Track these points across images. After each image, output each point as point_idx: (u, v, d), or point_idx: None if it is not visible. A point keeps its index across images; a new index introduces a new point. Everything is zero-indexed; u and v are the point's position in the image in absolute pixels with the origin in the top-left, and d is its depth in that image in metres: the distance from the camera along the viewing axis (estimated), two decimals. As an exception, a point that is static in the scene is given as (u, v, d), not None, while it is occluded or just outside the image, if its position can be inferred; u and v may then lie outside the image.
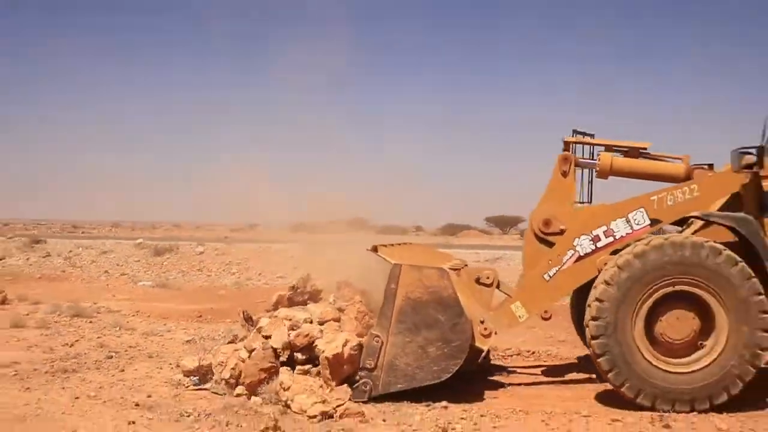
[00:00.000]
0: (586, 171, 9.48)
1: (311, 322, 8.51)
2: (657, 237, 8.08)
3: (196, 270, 25.41)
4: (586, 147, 9.47)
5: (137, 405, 7.90)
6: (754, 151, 8.45)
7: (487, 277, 9.00)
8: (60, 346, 11.12)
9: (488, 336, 8.43)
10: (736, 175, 8.53)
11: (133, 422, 7.27)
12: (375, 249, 8.86)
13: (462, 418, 7.45)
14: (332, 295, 9.33)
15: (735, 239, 8.18)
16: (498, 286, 9.10)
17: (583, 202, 9.40)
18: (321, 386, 7.80)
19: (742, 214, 8.23)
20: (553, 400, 8.42)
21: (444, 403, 8.02)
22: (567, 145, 9.15)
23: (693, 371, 7.81)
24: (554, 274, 8.47)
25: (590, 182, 9.55)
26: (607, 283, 7.89)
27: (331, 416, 7.41)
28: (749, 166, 8.47)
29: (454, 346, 7.87)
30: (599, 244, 8.44)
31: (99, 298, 17.71)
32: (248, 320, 9.76)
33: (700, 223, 8.46)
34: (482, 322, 8.37)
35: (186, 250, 29.82)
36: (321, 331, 8.34)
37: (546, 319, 8.73)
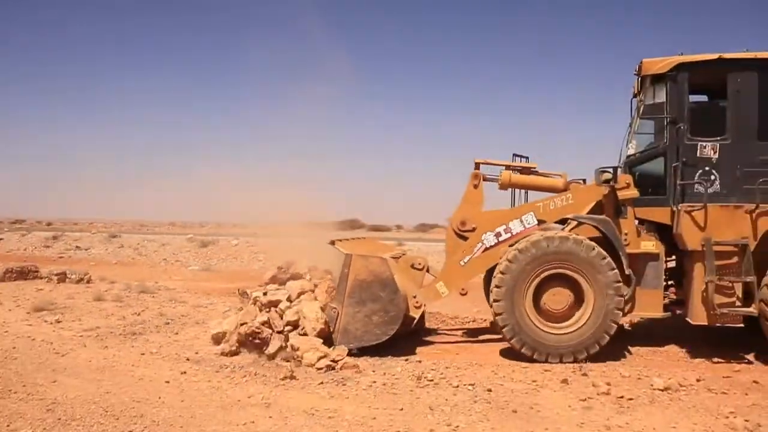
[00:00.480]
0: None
1: (290, 300, 8.66)
2: (536, 234, 8.40)
3: (232, 258, 25.41)
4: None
5: (188, 359, 7.94)
6: (610, 169, 8.72)
7: (419, 263, 9.21)
8: (130, 315, 11.10)
9: (419, 307, 8.68)
10: (599, 188, 8.71)
11: (185, 372, 7.31)
12: (333, 243, 9.13)
13: (432, 369, 7.49)
14: (307, 273, 9.59)
15: (599, 235, 8.43)
16: (428, 270, 9.29)
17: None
18: (322, 344, 7.84)
19: (602, 216, 8.53)
20: (502, 356, 8.44)
21: (418, 357, 8.09)
22: (477, 165, 9.31)
23: (571, 332, 8.09)
24: (467, 261, 8.74)
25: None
26: (501, 272, 8.18)
27: (333, 368, 7.44)
28: (607, 181, 8.69)
29: (391, 315, 8.12)
30: (500, 239, 8.71)
31: (159, 279, 17.65)
32: (243, 295, 10.03)
33: (575, 222, 8.68)
34: (414, 297, 8.61)
35: (224, 243, 29.98)
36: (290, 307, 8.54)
37: (463, 295, 8.97)
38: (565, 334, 8.10)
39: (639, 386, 6.90)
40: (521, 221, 8.74)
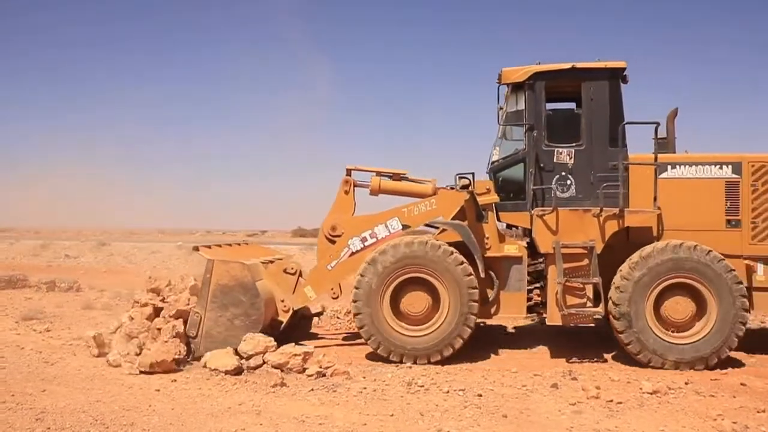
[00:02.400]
0: None
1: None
2: (398, 239, 8.50)
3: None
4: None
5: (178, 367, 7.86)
6: (469, 176, 8.95)
7: (292, 268, 9.28)
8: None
9: (287, 311, 8.80)
10: (460, 194, 8.84)
11: (175, 380, 7.29)
12: (196, 249, 9.10)
13: (422, 375, 7.50)
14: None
15: (461, 239, 8.57)
16: (300, 275, 9.37)
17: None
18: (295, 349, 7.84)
19: (458, 222, 8.65)
20: (492, 361, 8.46)
21: (408, 364, 8.08)
22: (348, 171, 9.33)
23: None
24: (334, 265, 8.84)
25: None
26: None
27: (323, 374, 7.43)
28: (465, 187, 8.89)
29: (253, 319, 8.18)
30: (366, 244, 8.81)
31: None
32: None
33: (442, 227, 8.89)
34: (282, 301, 8.77)
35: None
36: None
37: (334, 298, 9.12)
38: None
39: (628, 390, 6.93)
40: (386, 226, 8.87)
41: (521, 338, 10.07)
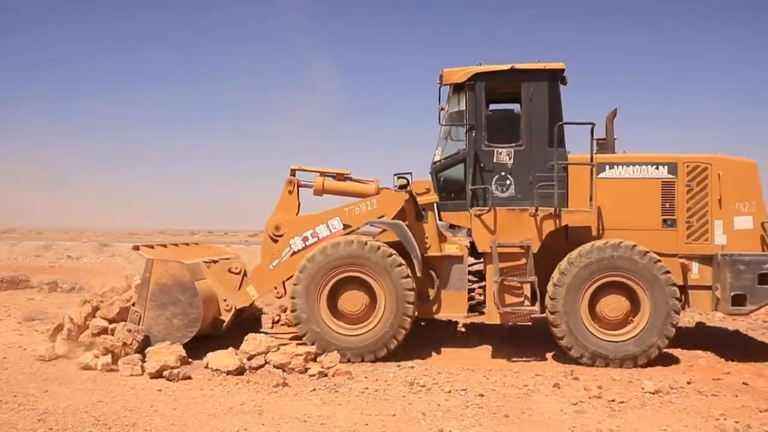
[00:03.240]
0: None
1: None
2: (338, 239, 8.61)
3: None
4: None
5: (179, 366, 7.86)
6: (407, 176, 9.06)
7: (236, 268, 9.43)
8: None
9: (229, 310, 8.83)
10: (401, 194, 8.93)
11: (177, 380, 7.25)
12: (136, 248, 9.12)
13: (424, 375, 7.50)
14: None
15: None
16: (245, 275, 9.45)
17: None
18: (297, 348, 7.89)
19: (395, 221, 8.71)
20: (493, 361, 8.45)
21: (411, 363, 8.09)
22: (293, 172, 9.40)
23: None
24: (276, 264, 8.91)
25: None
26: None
27: (325, 375, 7.44)
28: (403, 187, 9.00)
29: (191, 318, 8.21)
30: (308, 243, 8.88)
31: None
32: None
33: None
34: (225, 300, 8.81)
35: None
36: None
37: (279, 297, 9.21)
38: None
39: (630, 389, 6.94)
40: (327, 226, 8.94)
41: (519, 338, 10.04)
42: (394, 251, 8.38)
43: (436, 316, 8.97)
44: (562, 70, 8.65)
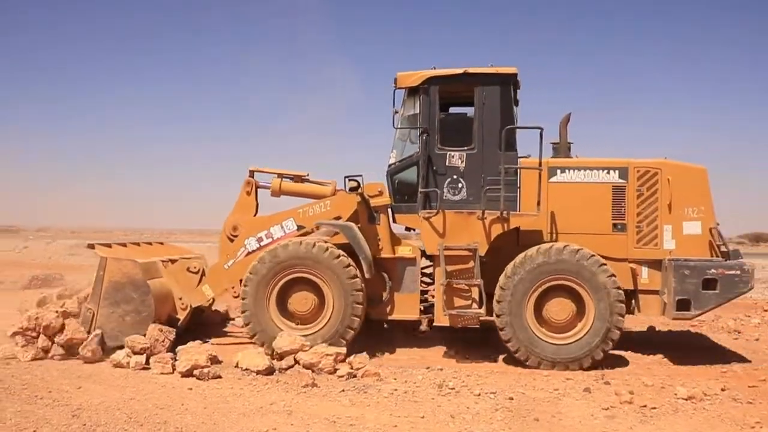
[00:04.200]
0: None
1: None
2: (288, 239, 8.73)
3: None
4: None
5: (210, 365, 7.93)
6: (358, 178, 9.03)
7: (195, 267, 9.45)
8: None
9: (185, 309, 8.99)
10: (353, 196, 9.00)
11: (207, 379, 7.33)
12: (92, 246, 9.17)
13: (453, 377, 7.48)
14: None
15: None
16: (204, 274, 9.52)
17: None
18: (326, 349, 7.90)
19: (344, 223, 8.85)
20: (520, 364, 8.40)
21: (439, 366, 8.07)
22: (251, 173, 9.51)
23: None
24: (231, 264, 9.10)
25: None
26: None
27: (354, 375, 7.46)
28: (353, 189, 8.99)
29: (143, 316, 8.34)
30: (262, 244, 9.06)
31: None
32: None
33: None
34: (180, 299, 8.98)
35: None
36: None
37: (236, 297, 9.14)
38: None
39: (662, 395, 6.84)
40: (281, 227, 9.12)
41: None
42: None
43: (389, 318, 9.04)
44: (515, 75, 8.71)
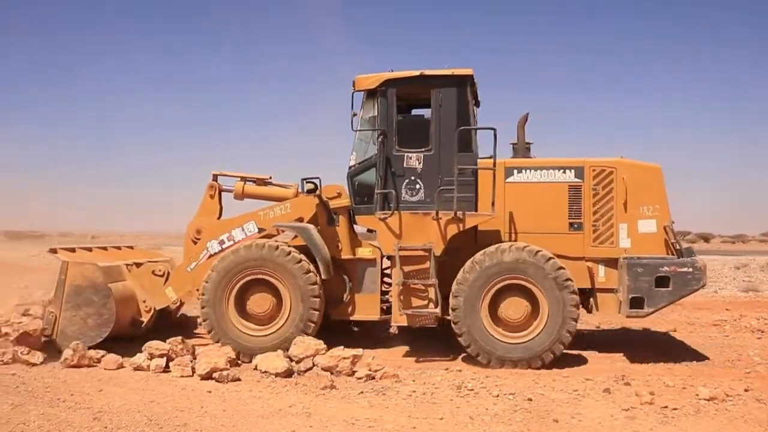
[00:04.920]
0: None
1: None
2: (245, 242, 8.93)
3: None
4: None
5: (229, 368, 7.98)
6: (315, 180, 9.23)
7: (160, 270, 9.52)
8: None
9: (148, 311, 9.19)
10: (313, 198, 9.17)
11: (226, 382, 7.37)
12: (54, 251, 9.32)
13: (472, 378, 7.47)
14: None
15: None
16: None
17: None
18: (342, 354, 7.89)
19: (301, 224, 8.98)
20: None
21: (458, 367, 8.07)
22: (215, 177, 9.68)
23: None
24: (194, 267, 9.22)
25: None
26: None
27: (373, 377, 7.47)
28: (311, 191, 9.25)
29: (105, 318, 8.50)
30: (224, 246, 9.17)
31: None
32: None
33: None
34: (144, 301, 9.17)
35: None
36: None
37: (198, 299, 9.16)
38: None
39: (684, 396, 6.77)
40: (243, 229, 9.22)
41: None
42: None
43: (351, 318, 9.14)
44: (471, 76, 8.76)
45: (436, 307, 8.50)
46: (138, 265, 9.71)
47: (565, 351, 8.29)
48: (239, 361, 8.15)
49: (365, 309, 8.97)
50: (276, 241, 8.80)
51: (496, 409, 6.34)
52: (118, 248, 10.82)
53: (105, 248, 10.43)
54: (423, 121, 9.02)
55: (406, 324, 8.75)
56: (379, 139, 8.73)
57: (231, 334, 8.52)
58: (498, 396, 6.78)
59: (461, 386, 7.11)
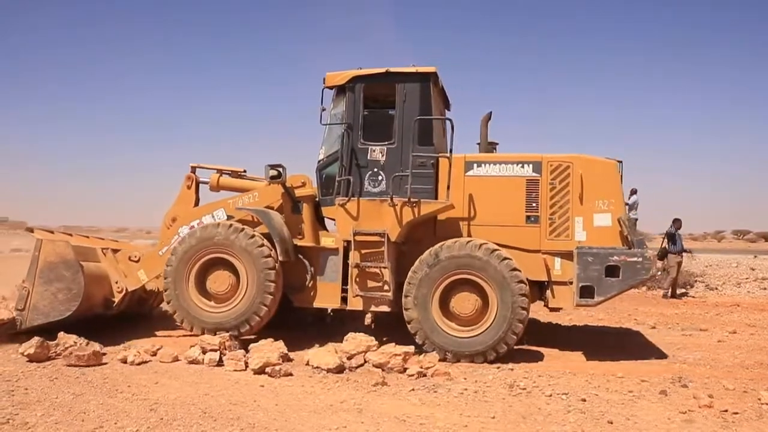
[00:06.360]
0: None
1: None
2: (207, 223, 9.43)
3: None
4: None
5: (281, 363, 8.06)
6: (279, 168, 9.31)
7: (135, 256, 9.94)
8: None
9: (120, 292, 9.66)
10: (278, 187, 9.40)
11: (279, 377, 7.45)
12: (30, 230, 9.85)
13: (524, 377, 7.41)
14: None
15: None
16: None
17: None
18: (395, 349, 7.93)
19: (262, 209, 9.29)
20: (591, 366, 8.25)
21: (510, 365, 8.01)
22: (193, 169, 10.14)
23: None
24: (165, 251, 9.64)
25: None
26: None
27: (424, 375, 7.47)
28: (274, 178, 9.31)
29: (74, 293, 8.78)
30: None
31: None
32: None
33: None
34: (116, 282, 9.67)
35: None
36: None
37: None
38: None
39: (745, 400, 6.60)
40: (212, 216, 9.64)
41: (613, 342, 9.76)
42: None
43: (312, 305, 9.32)
44: (434, 74, 9.10)
45: (389, 291, 8.77)
46: (115, 251, 10.19)
47: (618, 352, 8.16)
48: (291, 357, 8.24)
49: (326, 297, 9.24)
50: (241, 224, 9.18)
51: (549, 409, 6.27)
52: (101, 239, 11.40)
53: (87, 237, 10.98)
54: (388, 116, 9.32)
55: (361, 308, 9.05)
56: (349, 133, 9.09)
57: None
58: (551, 396, 6.71)
59: (513, 385, 7.06)
